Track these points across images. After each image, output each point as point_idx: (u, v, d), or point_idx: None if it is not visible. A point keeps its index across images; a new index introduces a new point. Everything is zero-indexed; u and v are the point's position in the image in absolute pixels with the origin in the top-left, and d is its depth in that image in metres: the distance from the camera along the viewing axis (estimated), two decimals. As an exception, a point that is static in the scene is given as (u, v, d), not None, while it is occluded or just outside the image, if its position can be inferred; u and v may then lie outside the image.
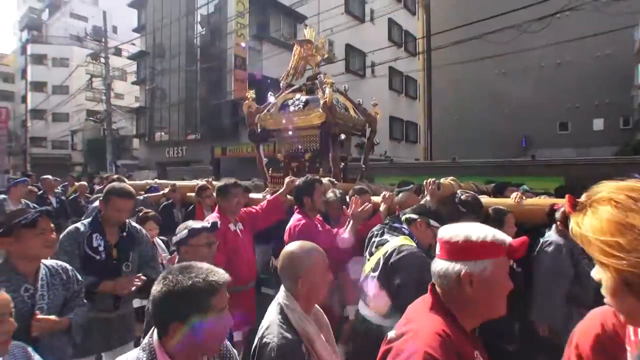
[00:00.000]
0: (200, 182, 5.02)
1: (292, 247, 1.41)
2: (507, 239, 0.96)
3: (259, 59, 13.24)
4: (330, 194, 2.93)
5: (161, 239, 3.27)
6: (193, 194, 4.30)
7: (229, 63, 13.33)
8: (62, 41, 27.90)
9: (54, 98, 24.68)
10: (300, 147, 4.25)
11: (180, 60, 15.78)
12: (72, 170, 24.98)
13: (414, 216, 1.99)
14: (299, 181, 2.76)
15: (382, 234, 2.06)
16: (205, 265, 1.05)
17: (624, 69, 13.78)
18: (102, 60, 16.07)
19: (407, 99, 21.03)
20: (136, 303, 2.61)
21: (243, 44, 12.27)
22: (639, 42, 12.52)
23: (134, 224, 2.40)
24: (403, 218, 2.06)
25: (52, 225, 1.69)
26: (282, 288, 1.37)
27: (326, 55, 4.69)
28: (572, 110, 16.00)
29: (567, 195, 2.00)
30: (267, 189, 4.19)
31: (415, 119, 21.73)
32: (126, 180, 4.39)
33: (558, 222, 2.30)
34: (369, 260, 2.05)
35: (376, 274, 1.87)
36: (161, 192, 4.48)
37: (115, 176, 4.73)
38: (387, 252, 1.88)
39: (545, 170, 7.20)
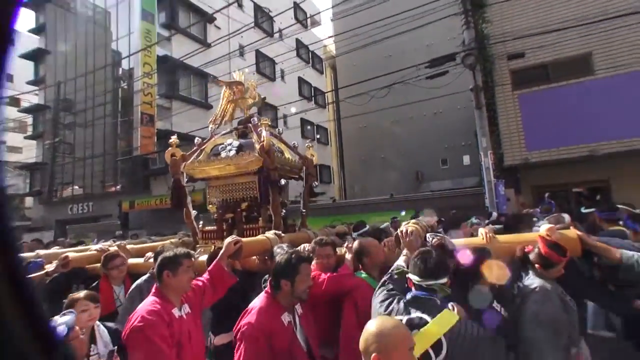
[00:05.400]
0: (107, 245, 3.72)
1: (370, 325, 1.36)
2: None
3: (169, 115, 13.80)
4: (277, 250, 2.59)
5: None
6: (98, 265, 3.14)
7: (135, 120, 13.65)
8: None
9: None
10: (235, 196, 3.79)
11: (86, 115, 15.46)
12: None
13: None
14: (279, 258, 2.04)
15: (406, 308, 1.69)
16: None
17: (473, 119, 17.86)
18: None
19: (319, 144, 23.25)
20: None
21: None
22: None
23: None
24: (437, 288, 1.73)
25: None
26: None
27: (257, 99, 4.40)
28: (449, 149, 19.53)
29: (538, 237, 2.13)
30: (199, 247, 3.62)
31: (327, 162, 23.92)
32: None
33: (537, 265, 2.05)
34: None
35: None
36: (43, 272, 3.05)
37: None
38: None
39: (400, 206, 8.96)
